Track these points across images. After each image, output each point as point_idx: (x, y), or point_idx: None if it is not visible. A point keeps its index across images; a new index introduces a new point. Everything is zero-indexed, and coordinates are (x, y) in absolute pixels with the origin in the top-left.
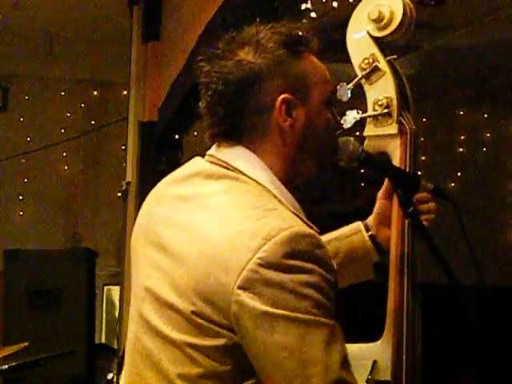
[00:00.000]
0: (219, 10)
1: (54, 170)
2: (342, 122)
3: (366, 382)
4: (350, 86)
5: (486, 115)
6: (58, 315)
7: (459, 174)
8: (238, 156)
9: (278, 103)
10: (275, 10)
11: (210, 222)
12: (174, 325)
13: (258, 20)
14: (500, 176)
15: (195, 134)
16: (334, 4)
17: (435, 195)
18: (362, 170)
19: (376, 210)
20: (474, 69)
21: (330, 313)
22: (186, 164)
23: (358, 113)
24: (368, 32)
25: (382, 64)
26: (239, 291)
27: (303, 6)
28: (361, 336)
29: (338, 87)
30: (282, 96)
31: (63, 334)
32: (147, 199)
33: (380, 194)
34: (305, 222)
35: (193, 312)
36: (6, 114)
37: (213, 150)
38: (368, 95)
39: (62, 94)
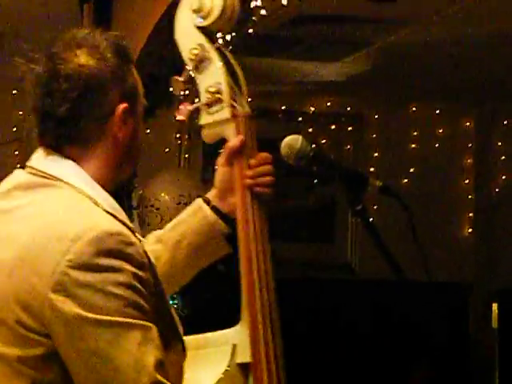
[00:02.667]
0: (168, 10)
1: (5, 168)
2: (178, 117)
3: (228, 367)
4: (182, 78)
5: (438, 111)
6: None
7: (412, 170)
8: (54, 163)
9: (119, 112)
10: None
11: (24, 231)
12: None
13: None
14: (453, 172)
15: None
16: (284, 1)
17: (383, 193)
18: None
19: (218, 178)
20: (426, 65)
21: (143, 312)
22: (7, 178)
23: (193, 103)
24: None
25: (210, 52)
26: (51, 295)
27: (252, 4)
28: (221, 323)
29: (171, 81)
30: (124, 105)
31: None
32: None
33: (220, 160)
34: (121, 221)
35: (14, 321)
36: None
37: (32, 161)
38: (200, 85)
39: (14, 92)
